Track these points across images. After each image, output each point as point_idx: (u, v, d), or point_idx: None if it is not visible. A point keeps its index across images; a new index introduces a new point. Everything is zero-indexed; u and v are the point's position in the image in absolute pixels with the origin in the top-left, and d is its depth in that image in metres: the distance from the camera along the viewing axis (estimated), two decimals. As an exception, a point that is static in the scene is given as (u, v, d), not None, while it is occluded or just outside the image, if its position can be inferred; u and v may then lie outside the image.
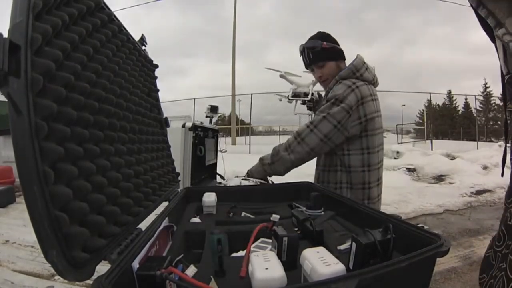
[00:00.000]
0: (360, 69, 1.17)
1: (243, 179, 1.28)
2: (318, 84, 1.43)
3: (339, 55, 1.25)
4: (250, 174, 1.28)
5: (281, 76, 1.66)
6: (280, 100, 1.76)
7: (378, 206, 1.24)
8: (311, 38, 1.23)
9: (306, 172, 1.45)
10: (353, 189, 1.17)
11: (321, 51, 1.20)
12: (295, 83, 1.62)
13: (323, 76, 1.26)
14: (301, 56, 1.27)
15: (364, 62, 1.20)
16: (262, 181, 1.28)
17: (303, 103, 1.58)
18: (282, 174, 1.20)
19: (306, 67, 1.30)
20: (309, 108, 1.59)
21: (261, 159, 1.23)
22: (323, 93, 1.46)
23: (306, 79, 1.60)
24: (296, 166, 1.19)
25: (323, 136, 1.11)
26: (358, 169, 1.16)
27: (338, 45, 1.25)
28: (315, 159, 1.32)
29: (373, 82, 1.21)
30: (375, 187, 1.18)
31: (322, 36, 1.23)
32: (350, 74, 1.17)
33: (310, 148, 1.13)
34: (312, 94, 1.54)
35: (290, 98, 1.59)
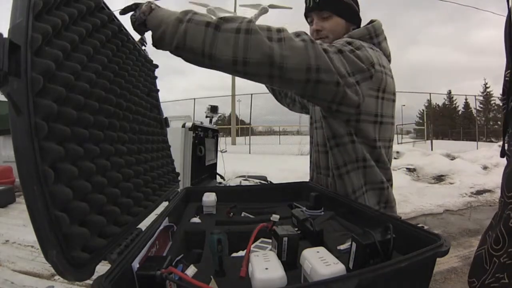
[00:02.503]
0: (379, 35, 0.88)
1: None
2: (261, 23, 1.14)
3: (354, 17, 0.93)
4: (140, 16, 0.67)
5: (209, 11, 1.25)
6: None
7: (395, 211, 0.97)
8: None
9: (306, 171, 1.45)
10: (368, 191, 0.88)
11: None
12: None
13: (322, 31, 0.92)
14: None
15: (383, 31, 0.91)
16: (262, 181, 1.11)
17: None
18: (218, 60, 0.62)
19: (306, 13, 0.97)
20: None
21: (186, 12, 0.64)
22: None
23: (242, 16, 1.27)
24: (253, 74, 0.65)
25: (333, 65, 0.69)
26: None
27: (359, 8, 0.95)
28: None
29: (390, 59, 0.92)
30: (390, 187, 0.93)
31: None
32: (365, 37, 0.86)
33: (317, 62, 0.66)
34: None
35: None
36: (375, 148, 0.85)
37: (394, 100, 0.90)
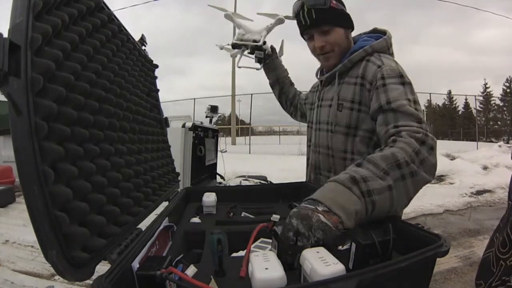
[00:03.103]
0: (391, 46, 0.91)
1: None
2: (275, 34, 1.09)
3: (349, 22, 0.92)
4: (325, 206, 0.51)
5: (227, 16, 1.24)
6: (221, 49, 1.28)
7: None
8: None
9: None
10: None
11: (328, 11, 0.86)
12: (244, 28, 1.19)
13: (326, 45, 0.90)
14: (298, 17, 0.91)
15: None
16: (262, 181, 1.00)
17: (251, 52, 1.18)
18: (403, 208, 0.63)
19: (303, 32, 0.93)
20: (258, 60, 1.21)
21: (354, 180, 0.55)
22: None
23: (259, 24, 1.21)
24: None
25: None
26: None
27: (346, 9, 0.94)
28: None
29: None
30: None
31: None
32: (384, 48, 0.88)
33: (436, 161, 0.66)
34: (265, 43, 1.15)
35: (233, 43, 1.16)
36: None
37: None
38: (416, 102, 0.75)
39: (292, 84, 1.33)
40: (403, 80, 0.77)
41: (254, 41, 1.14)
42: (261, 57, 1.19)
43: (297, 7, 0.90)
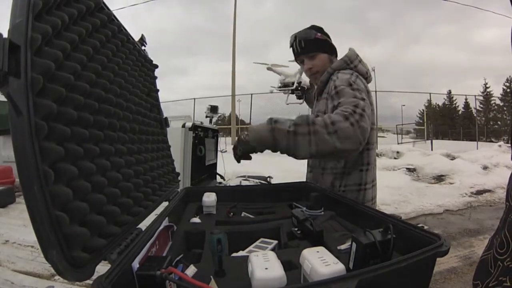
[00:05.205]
0: (353, 61, 1.10)
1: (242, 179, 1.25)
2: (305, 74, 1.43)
3: (332, 49, 1.18)
4: (243, 139, 0.82)
5: (268, 68, 1.70)
6: (272, 92, 1.82)
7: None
8: (305, 29, 1.17)
9: (306, 171, 1.45)
10: (346, 192, 1.05)
11: (314, 41, 1.13)
12: (283, 74, 1.62)
13: (313, 67, 1.17)
14: (292, 46, 1.18)
15: (357, 55, 1.13)
16: (262, 181, 1.21)
17: (292, 92, 1.57)
18: (301, 156, 0.78)
19: (296, 57, 1.21)
20: (298, 97, 1.57)
21: (274, 121, 0.79)
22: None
23: (293, 69, 1.62)
24: (323, 157, 1.00)
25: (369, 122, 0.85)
26: (357, 168, 1.05)
27: (331, 40, 1.20)
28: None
29: (367, 76, 1.10)
30: (370, 189, 1.08)
31: (316, 28, 1.17)
32: (343, 65, 1.09)
33: (364, 137, 0.80)
34: (300, 83, 1.51)
35: (278, 88, 1.61)
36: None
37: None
38: (362, 99, 0.88)
39: None
40: (352, 87, 0.94)
41: (292, 83, 1.53)
42: (300, 95, 1.54)
43: (291, 39, 1.16)
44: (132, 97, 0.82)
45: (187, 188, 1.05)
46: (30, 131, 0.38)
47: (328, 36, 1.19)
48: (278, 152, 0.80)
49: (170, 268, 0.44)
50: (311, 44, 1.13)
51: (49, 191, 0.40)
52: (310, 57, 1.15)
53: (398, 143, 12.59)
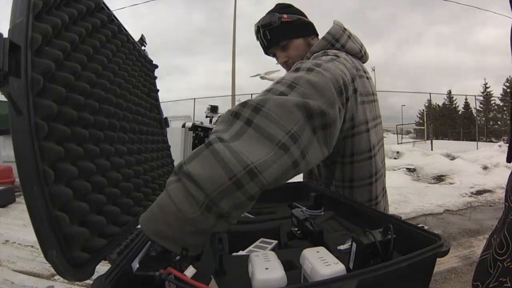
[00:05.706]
0: (340, 38, 0.82)
1: None
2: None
3: (308, 29, 0.91)
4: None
5: (262, 77, 1.57)
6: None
7: None
8: (267, 14, 0.89)
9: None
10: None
11: (281, 27, 0.86)
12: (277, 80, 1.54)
13: (289, 60, 0.90)
14: (258, 40, 0.92)
15: (345, 29, 0.85)
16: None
17: None
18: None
19: (266, 51, 0.94)
20: None
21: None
22: None
23: (285, 71, 1.45)
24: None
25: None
26: (364, 181, 0.85)
27: (305, 17, 0.92)
28: None
29: (361, 55, 0.87)
30: (380, 201, 0.89)
31: (280, 8, 0.89)
32: (326, 46, 0.82)
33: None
34: None
35: None
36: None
37: (376, 100, 0.86)
38: (289, 85, 0.55)
39: None
40: (298, 68, 0.62)
41: None
42: None
43: (255, 31, 0.91)
44: (132, 97, 0.82)
45: (187, 188, 1.05)
46: (30, 131, 0.38)
47: (300, 13, 0.91)
48: None
49: (169, 268, 0.44)
50: (278, 31, 0.87)
51: (49, 191, 0.40)
52: (282, 48, 0.90)
53: (398, 143, 12.60)
